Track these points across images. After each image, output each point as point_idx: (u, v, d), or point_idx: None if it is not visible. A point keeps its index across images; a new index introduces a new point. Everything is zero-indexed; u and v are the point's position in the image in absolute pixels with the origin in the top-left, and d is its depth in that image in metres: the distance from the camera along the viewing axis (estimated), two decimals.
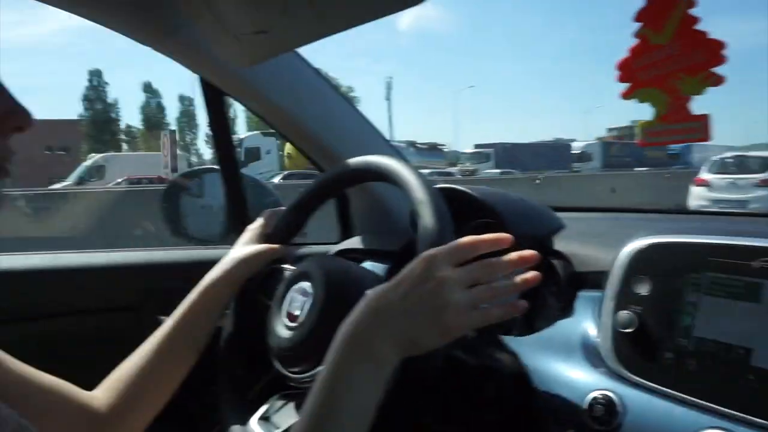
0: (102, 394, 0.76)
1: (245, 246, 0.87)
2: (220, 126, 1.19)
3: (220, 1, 0.76)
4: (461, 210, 0.86)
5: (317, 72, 1.16)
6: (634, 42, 0.60)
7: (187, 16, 0.92)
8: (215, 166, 1.29)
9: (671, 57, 0.58)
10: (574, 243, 0.85)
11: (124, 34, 0.97)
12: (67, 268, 1.13)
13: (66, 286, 1.13)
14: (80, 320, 1.13)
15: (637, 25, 0.60)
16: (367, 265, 1.07)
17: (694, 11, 0.56)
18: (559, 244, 0.87)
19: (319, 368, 0.69)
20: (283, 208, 0.93)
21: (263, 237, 0.89)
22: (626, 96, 0.62)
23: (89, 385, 0.77)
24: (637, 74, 0.60)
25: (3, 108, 0.51)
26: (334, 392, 0.55)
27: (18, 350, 0.69)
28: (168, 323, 0.81)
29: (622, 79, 0.62)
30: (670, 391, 0.63)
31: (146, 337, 1.14)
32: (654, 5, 0.58)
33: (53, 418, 0.62)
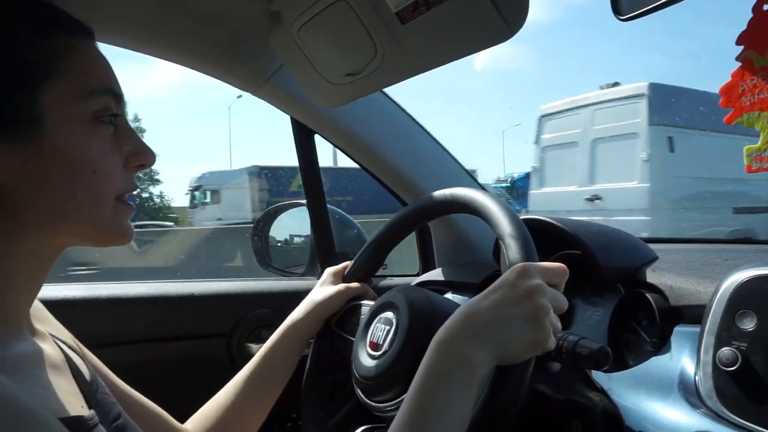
0: (193, 428, 0.81)
1: (324, 287, 0.92)
2: (309, 163, 1.26)
3: (315, 47, 0.82)
4: (548, 241, 0.85)
5: (400, 108, 1.21)
6: (736, 66, 0.59)
7: (284, 63, 0.99)
8: (302, 201, 1.35)
9: None
10: (669, 275, 0.82)
11: (225, 81, 1.07)
12: (165, 297, 1.22)
13: (164, 314, 1.21)
14: (175, 346, 1.21)
15: (739, 49, 0.59)
16: (449, 296, 1.07)
17: None
18: (653, 276, 0.83)
19: (402, 397, 0.69)
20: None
21: (341, 277, 0.93)
22: (730, 121, 0.60)
23: (180, 406, 0.82)
24: (741, 98, 0.59)
25: (131, 147, 0.58)
26: (428, 396, 0.55)
27: (120, 372, 0.75)
28: (251, 363, 0.86)
29: (725, 104, 0.60)
30: None
31: (234, 362, 1.20)
32: (757, 28, 0.56)
33: None
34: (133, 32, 0.88)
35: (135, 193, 0.61)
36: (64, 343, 0.62)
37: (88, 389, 0.56)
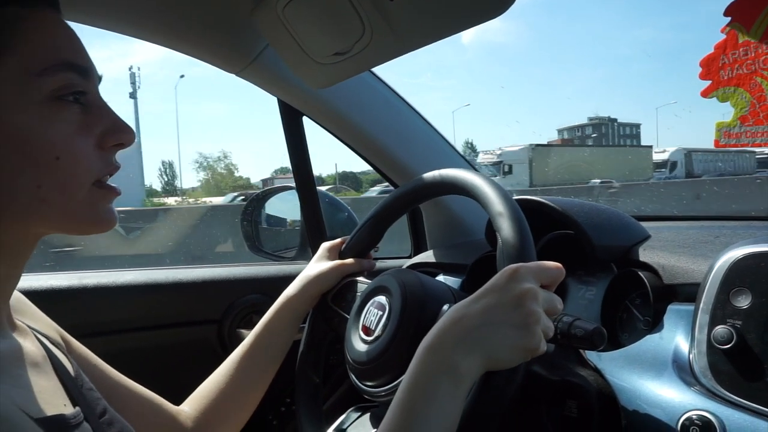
0: (190, 408, 0.80)
1: (319, 262, 0.90)
2: (297, 145, 1.24)
3: (301, 26, 0.79)
4: (539, 221, 0.84)
5: (390, 88, 1.18)
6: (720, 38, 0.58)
7: (266, 42, 0.97)
8: (291, 184, 1.33)
9: (759, 55, 0.55)
10: (662, 253, 0.81)
11: (207, 62, 1.04)
12: (155, 284, 1.20)
13: (154, 301, 1.20)
14: (167, 333, 1.20)
15: (725, 20, 0.57)
16: (441, 278, 1.07)
17: None
18: (645, 254, 0.83)
19: (394, 383, 0.69)
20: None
21: (336, 253, 0.92)
22: (706, 94, 0.59)
23: (174, 393, 0.81)
24: (720, 72, 0.58)
25: (104, 126, 0.53)
26: (414, 404, 0.54)
27: (111, 361, 0.74)
28: (247, 340, 0.85)
29: (703, 76, 0.59)
30: None
31: (227, 347, 1.19)
32: (745, 0, 0.55)
33: (143, 428, 0.65)
34: (111, 12, 0.84)
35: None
36: (47, 337, 0.60)
37: (73, 385, 0.55)
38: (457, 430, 0.55)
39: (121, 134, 0.54)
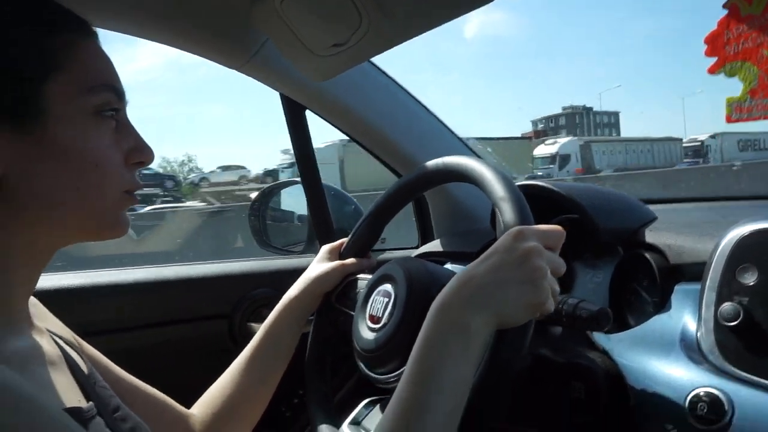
0: (199, 413, 0.82)
1: (320, 263, 0.92)
2: (301, 139, 1.24)
3: (299, 19, 0.79)
4: (544, 206, 0.84)
5: (390, 79, 1.18)
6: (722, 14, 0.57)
7: (267, 36, 0.97)
8: (297, 179, 1.34)
9: (763, 28, 0.54)
10: (668, 234, 0.81)
11: (208, 59, 1.04)
12: (164, 281, 1.22)
13: (163, 298, 1.21)
14: (176, 329, 1.21)
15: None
16: (449, 266, 1.07)
17: None
18: (651, 236, 0.83)
19: (403, 368, 0.69)
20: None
21: (337, 254, 0.93)
22: (713, 70, 0.58)
23: (187, 389, 0.82)
24: (725, 47, 0.57)
25: (131, 143, 0.59)
26: (427, 363, 0.55)
27: (123, 359, 0.75)
28: (252, 343, 0.87)
29: (709, 53, 0.58)
30: None
31: (236, 342, 1.21)
32: None
33: (153, 430, 0.66)
34: (110, 10, 0.85)
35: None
36: (61, 338, 0.62)
37: (87, 383, 0.57)
38: (473, 390, 0.56)
39: (143, 153, 0.60)
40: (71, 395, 0.52)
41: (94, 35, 0.59)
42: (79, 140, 0.54)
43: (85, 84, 0.54)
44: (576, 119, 67.41)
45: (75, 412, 0.49)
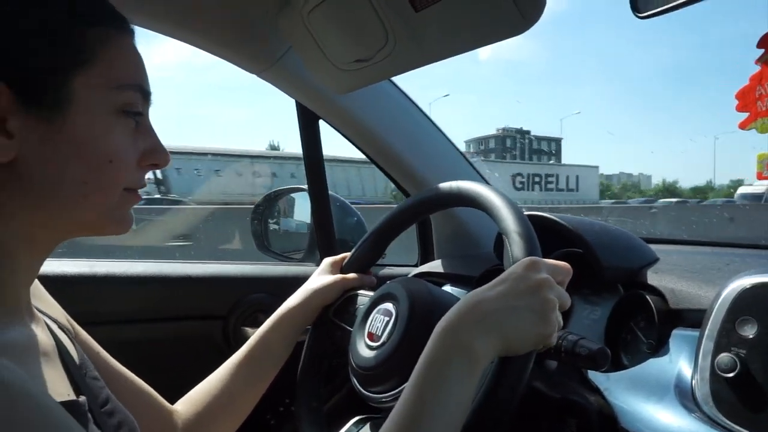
0: (182, 409, 0.81)
1: (321, 276, 0.92)
2: (313, 148, 1.25)
3: (325, 31, 0.80)
4: (548, 238, 0.84)
5: (407, 97, 1.19)
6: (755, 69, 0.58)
7: (290, 44, 0.98)
8: (303, 186, 1.34)
9: None
10: (669, 277, 0.81)
11: (231, 62, 1.05)
12: (164, 277, 1.22)
13: (161, 294, 1.21)
14: (171, 326, 1.21)
15: (759, 53, 0.58)
16: (447, 289, 1.07)
17: None
18: (653, 277, 0.83)
19: (399, 388, 0.69)
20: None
21: (338, 268, 0.93)
22: (744, 126, 0.59)
23: (175, 385, 0.82)
24: (757, 102, 0.58)
25: (148, 145, 0.59)
26: (429, 384, 0.55)
27: (117, 350, 0.75)
28: (244, 348, 0.86)
29: (740, 108, 0.59)
30: None
31: (230, 344, 1.20)
32: None
33: (135, 420, 0.66)
34: (145, 8, 0.86)
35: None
36: (56, 322, 0.62)
37: (77, 374, 0.56)
38: (469, 415, 0.56)
39: (159, 156, 0.60)
40: (60, 389, 0.52)
41: (131, 33, 0.58)
42: (99, 135, 0.53)
43: (115, 80, 0.54)
44: (506, 142, 62.64)
45: (72, 405, 0.49)
